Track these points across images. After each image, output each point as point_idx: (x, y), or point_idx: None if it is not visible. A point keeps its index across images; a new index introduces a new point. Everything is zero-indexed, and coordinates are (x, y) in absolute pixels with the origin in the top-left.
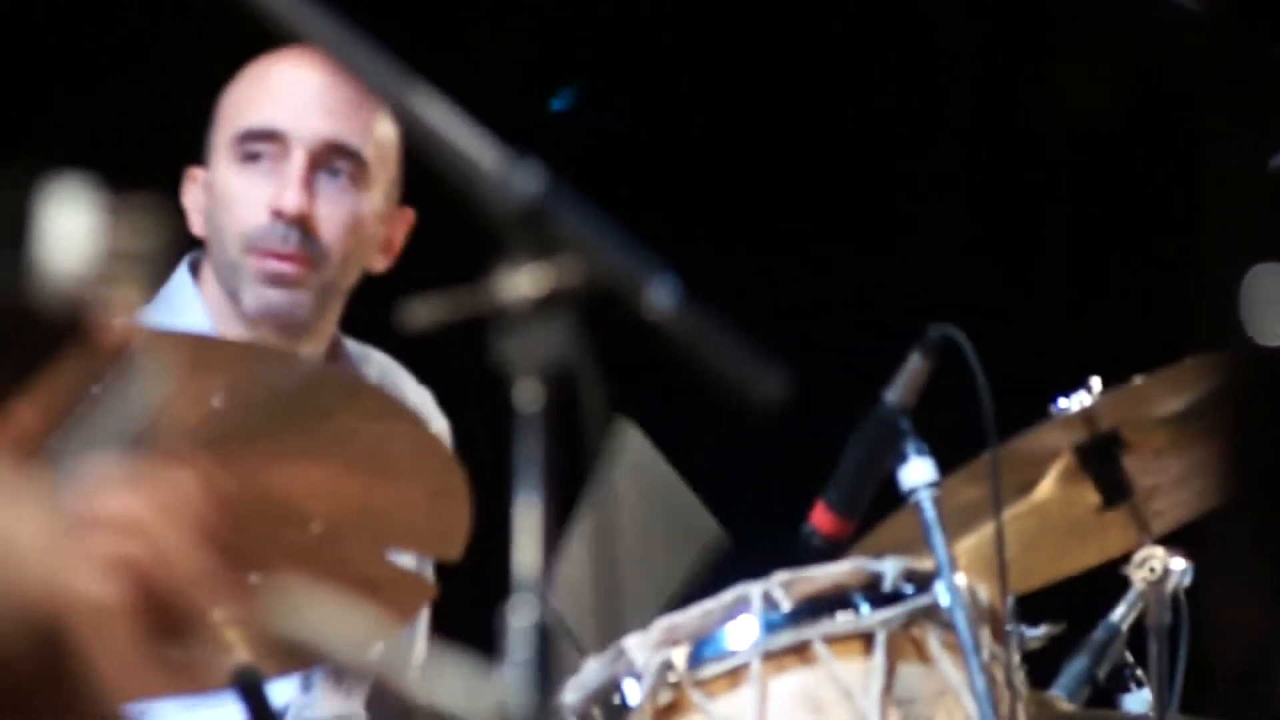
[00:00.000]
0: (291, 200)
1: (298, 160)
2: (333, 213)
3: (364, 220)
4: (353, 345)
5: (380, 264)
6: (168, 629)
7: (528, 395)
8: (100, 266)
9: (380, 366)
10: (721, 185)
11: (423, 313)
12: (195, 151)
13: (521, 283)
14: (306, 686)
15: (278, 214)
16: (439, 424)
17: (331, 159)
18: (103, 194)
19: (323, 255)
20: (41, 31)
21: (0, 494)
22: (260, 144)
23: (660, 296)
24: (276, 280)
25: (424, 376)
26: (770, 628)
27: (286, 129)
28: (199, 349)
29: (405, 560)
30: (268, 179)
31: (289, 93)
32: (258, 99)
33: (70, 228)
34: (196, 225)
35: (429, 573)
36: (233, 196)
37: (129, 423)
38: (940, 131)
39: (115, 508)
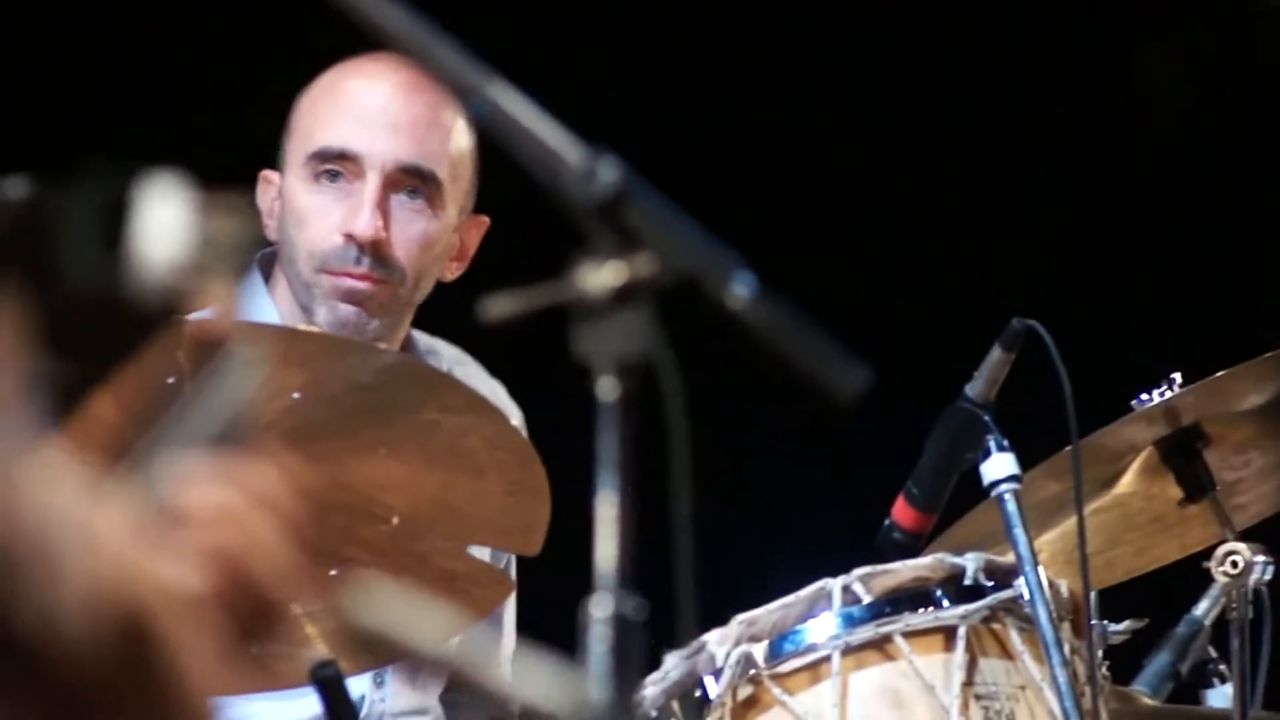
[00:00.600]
0: (365, 226)
1: (372, 183)
2: (406, 235)
3: (437, 238)
4: (422, 338)
5: (452, 273)
6: (253, 624)
7: (607, 388)
8: (193, 261)
9: (450, 359)
10: (803, 178)
11: (502, 305)
12: (270, 152)
13: (601, 275)
14: (380, 681)
15: (350, 238)
16: (513, 416)
17: (405, 181)
18: (194, 191)
19: (396, 275)
20: (122, 29)
21: (85, 490)
22: (334, 164)
23: (740, 289)
24: (349, 297)
25: (502, 369)
26: (850, 622)
27: (361, 151)
28: (279, 342)
29: (483, 555)
30: (341, 200)
31: (364, 112)
32: (333, 117)
33: (164, 223)
34: (270, 229)
35: (510, 567)
36: (306, 214)
37: (221, 416)
38: (1026, 125)
39: (204, 500)
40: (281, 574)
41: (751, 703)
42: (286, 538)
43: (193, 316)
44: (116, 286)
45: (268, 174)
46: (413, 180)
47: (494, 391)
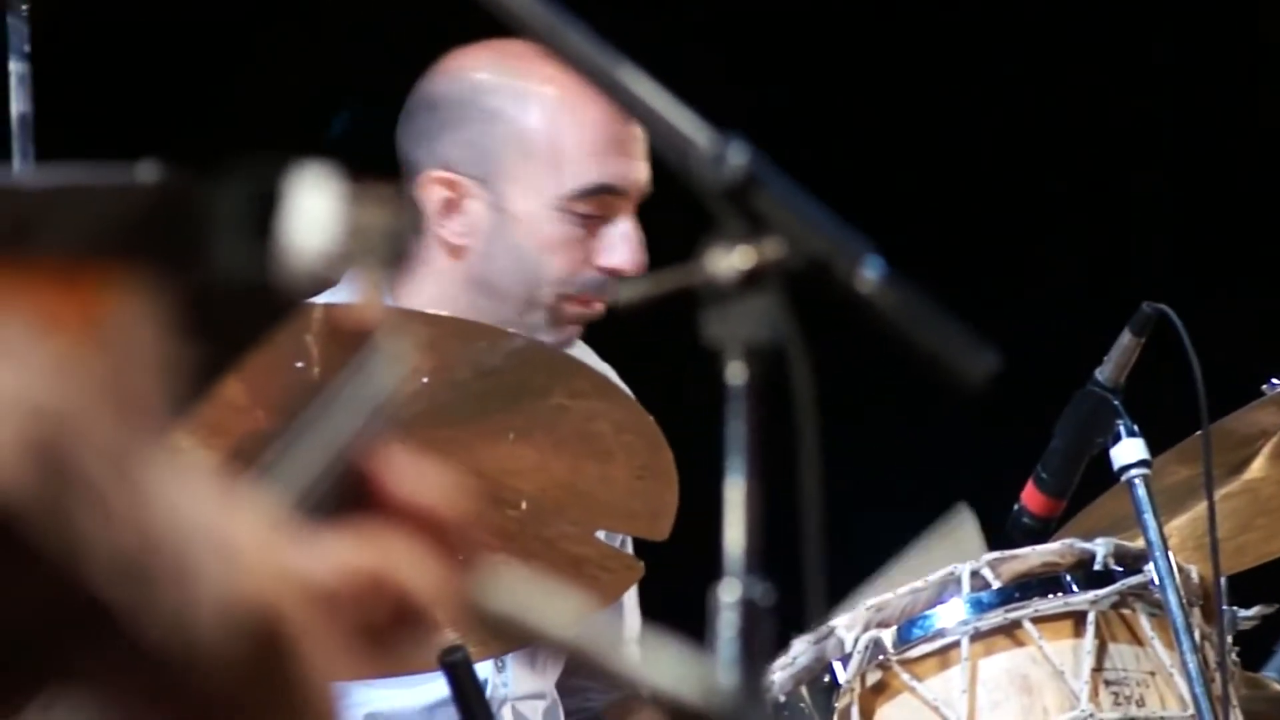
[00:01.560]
0: (635, 263)
1: (630, 216)
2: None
3: None
4: None
5: None
6: (391, 621)
7: (736, 372)
8: (341, 250)
9: None
10: (930, 162)
11: (632, 289)
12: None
13: (730, 259)
14: (501, 666)
15: (611, 271)
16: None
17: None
18: (343, 182)
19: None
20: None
21: (217, 489)
22: (599, 199)
23: (868, 273)
24: (583, 320)
25: (629, 353)
26: (980, 607)
27: (628, 187)
28: (406, 325)
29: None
30: (594, 228)
31: (618, 143)
32: (594, 152)
33: (312, 212)
34: (452, 234)
35: (625, 547)
36: (558, 243)
37: (365, 408)
38: (1155, 109)
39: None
40: (421, 574)
41: (880, 688)
42: (427, 538)
43: (321, 300)
44: (262, 275)
45: (444, 176)
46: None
47: (607, 374)
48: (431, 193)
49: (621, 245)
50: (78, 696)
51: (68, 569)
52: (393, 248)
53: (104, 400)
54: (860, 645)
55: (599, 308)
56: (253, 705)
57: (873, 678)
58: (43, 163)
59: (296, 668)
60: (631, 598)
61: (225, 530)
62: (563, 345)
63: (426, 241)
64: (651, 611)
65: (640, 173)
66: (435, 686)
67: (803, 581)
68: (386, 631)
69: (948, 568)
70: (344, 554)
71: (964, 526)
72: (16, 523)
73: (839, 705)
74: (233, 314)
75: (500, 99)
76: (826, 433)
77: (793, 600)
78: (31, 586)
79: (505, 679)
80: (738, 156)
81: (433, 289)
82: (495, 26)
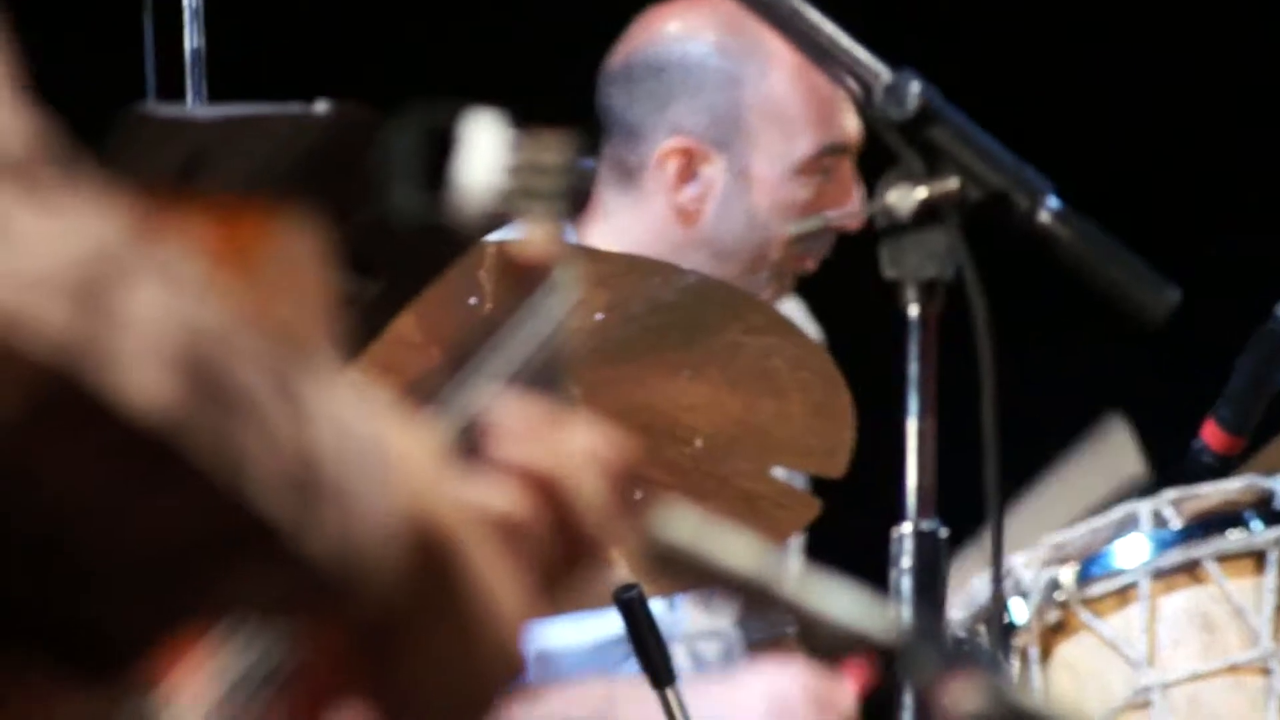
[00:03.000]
0: (858, 221)
1: (853, 169)
2: None
3: None
4: None
5: None
6: (564, 548)
7: (913, 307)
8: (512, 191)
9: None
10: (1103, 94)
11: (808, 224)
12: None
13: (908, 194)
14: (672, 604)
15: (841, 228)
16: (812, 334)
17: None
18: (516, 127)
19: None
20: None
21: (387, 414)
22: (831, 157)
23: (1046, 207)
24: (799, 277)
25: (810, 287)
26: (1160, 545)
27: (850, 141)
28: (583, 262)
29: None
30: (822, 186)
31: (837, 98)
32: (823, 111)
33: (485, 154)
34: (687, 200)
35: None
36: (792, 205)
37: (537, 343)
38: None
39: (518, 426)
40: (594, 511)
41: (1059, 627)
42: (600, 474)
43: (494, 237)
44: (434, 213)
45: (684, 145)
46: None
47: (794, 310)
48: (667, 160)
49: (850, 200)
50: (246, 621)
51: (230, 488)
52: (566, 189)
53: (266, 327)
54: (1039, 583)
55: (814, 264)
56: (419, 626)
57: (1051, 616)
58: (215, 100)
59: (465, 591)
60: (796, 538)
61: (392, 450)
62: (776, 300)
63: (651, 206)
64: (829, 551)
65: (856, 125)
66: (604, 624)
67: (981, 518)
68: (558, 568)
69: (1127, 506)
70: (515, 487)
71: (1118, 438)
72: (178, 441)
73: (1017, 644)
74: (404, 251)
75: (737, 63)
76: (1003, 368)
77: (969, 537)
78: (196, 507)
79: (677, 617)
80: (916, 91)
81: (654, 252)
82: None
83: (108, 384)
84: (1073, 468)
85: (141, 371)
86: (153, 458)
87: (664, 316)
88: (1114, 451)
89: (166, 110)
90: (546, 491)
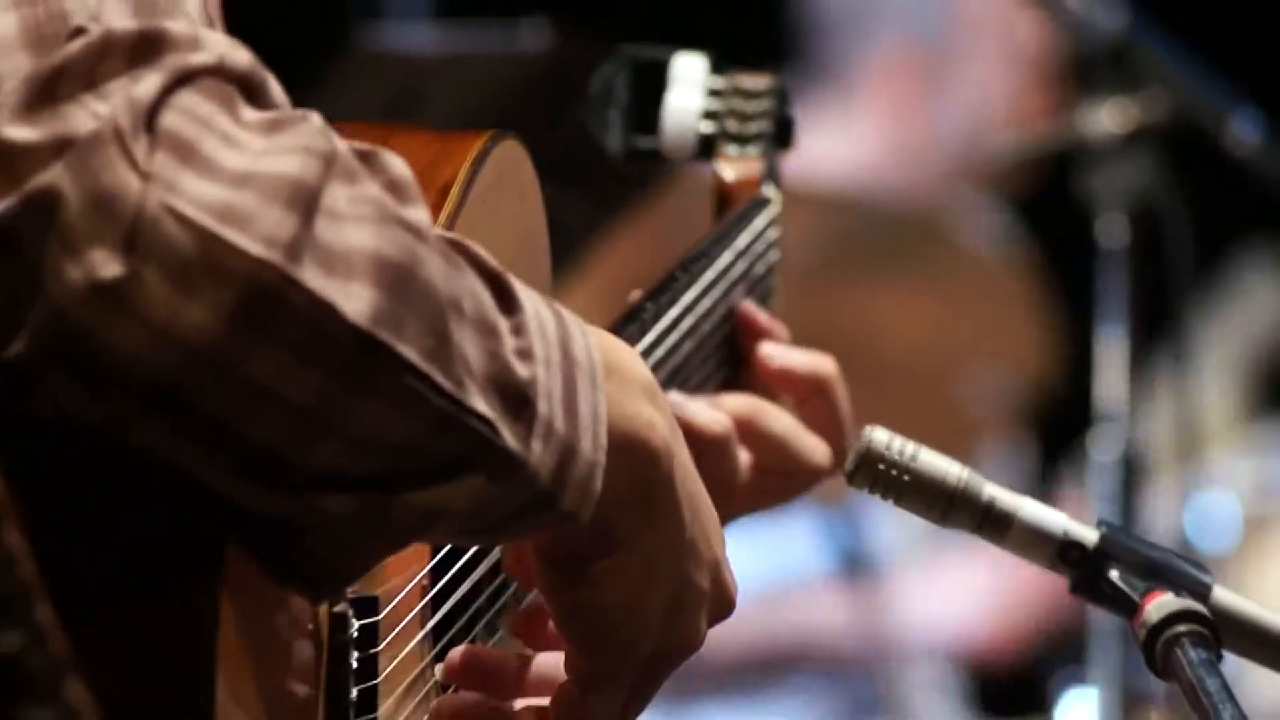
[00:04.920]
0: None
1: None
2: None
3: None
4: None
5: None
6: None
7: (1112, 230)
8: (723, 125)
9: None
10: None
11: (1008, 146)
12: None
13: (1106, 118)
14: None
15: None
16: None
17: None
18: (721, 66)
19: None
20: None
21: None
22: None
23: (1245, 131)
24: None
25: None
26: None
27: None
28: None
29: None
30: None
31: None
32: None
33: (692, 89)
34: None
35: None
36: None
37: (752, 266)
38: None
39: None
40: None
41: None
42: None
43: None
44: (642, 144)
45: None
46: None
47: None
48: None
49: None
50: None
51: (437, 392)
52: (770, 123)
53: (476, 250)
54: None
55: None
56: (626, 525)
57: None
58: (443, 20)
59: (670, 495)
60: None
61: (602, 366)
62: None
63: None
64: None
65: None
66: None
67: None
68: (759, 482)
69: None
70: (721, 405)
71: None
72: (382, 348)
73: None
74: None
75: None
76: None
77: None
78: (403, 413)
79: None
80: (1114, 16)
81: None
82: None
83: (316, 289)
84: None
85: (349, 280)
86: (357, 363)
87: (867, 241)
88: None
89: (382, 43)
90: (745, 411)
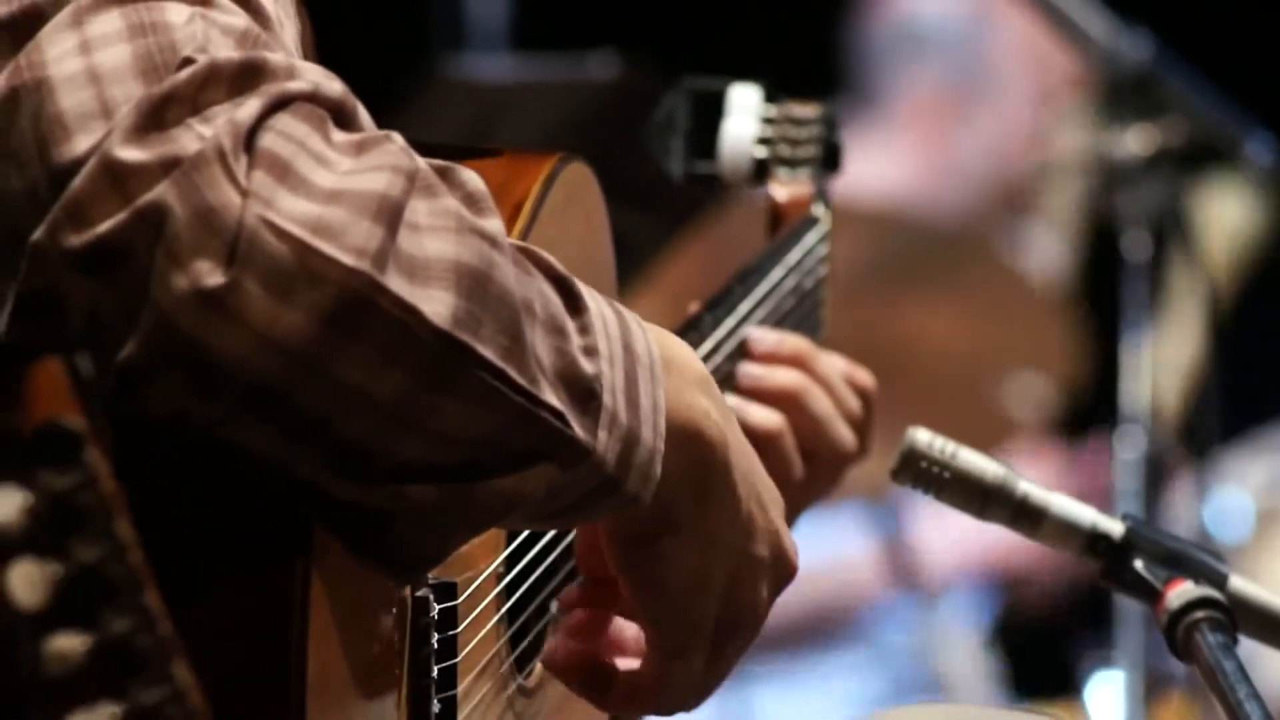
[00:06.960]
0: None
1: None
2: None
3: None
4: None
5: None
6: (804, 434)
7: (1136, 245)
8: (776, 150)
9: None
10: None
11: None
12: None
13: (1131, 141)
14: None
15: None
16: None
17: None
18: (775, 97)
19: None
20: None
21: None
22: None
23: (1258, 153)
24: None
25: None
26: None
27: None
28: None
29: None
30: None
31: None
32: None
33: (747, 119)
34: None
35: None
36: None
37: (802, 282)
38: None
39: (781, 350)
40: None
41: None
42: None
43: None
44: (700, 169)
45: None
46: None
47: None
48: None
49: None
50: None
51: (515, 389)
52: (821, 148)
53: (550, 260)
54: None
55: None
56: (685, 506)
57: None
58: (519, 51)
59: (725, 476)
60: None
61: (663, 366)
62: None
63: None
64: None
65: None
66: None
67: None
68: (805, 477)
69: None
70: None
71: None
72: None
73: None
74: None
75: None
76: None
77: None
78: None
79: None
80: (1138, 46)
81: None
82: None
83: (402, 295)
84: None
85: (431, 285)
86: (439, 362)
87: (909, 258)
88: None
89: (462, 72)
90: (797, 410)
